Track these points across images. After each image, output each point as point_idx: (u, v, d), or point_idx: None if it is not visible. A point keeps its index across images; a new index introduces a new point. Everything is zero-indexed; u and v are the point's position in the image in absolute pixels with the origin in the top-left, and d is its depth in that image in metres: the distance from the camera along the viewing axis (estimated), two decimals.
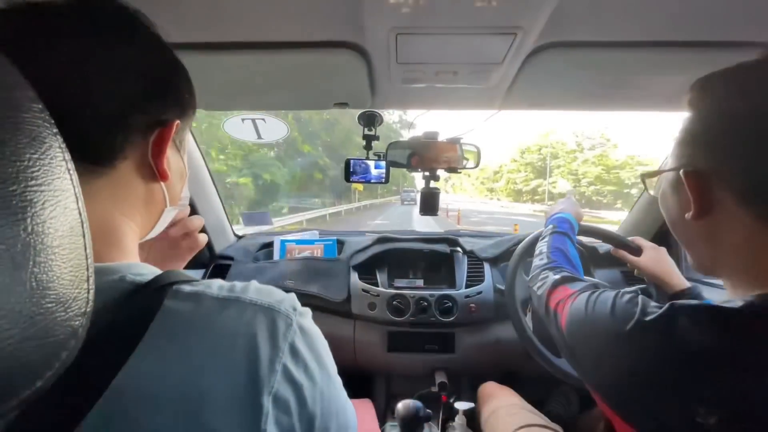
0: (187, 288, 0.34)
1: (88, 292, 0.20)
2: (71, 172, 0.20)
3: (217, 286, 0.35)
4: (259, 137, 1.11)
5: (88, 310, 0.20)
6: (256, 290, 0.36)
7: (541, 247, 0.83)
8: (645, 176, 0.58)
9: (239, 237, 1.63)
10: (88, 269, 0.20)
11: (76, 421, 0.26)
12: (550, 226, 0.90)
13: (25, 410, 0.25)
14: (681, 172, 0.46)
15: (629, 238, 1.05)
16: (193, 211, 1.30)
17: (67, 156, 0.20)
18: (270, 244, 1.51)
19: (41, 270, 0.17)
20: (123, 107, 0.35)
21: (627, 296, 0.49)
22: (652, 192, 0.57)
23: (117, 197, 0.37)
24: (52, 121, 0.20)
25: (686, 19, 0.61)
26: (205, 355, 0.30)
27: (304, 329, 0.36)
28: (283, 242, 1.50)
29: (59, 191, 0.19)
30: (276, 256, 1.47)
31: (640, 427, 0.43)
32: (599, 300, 0.53)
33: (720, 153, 0.43)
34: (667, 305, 0.43)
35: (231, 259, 1.43)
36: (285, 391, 0.32)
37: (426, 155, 1.01)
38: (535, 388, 1.36)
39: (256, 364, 0.31)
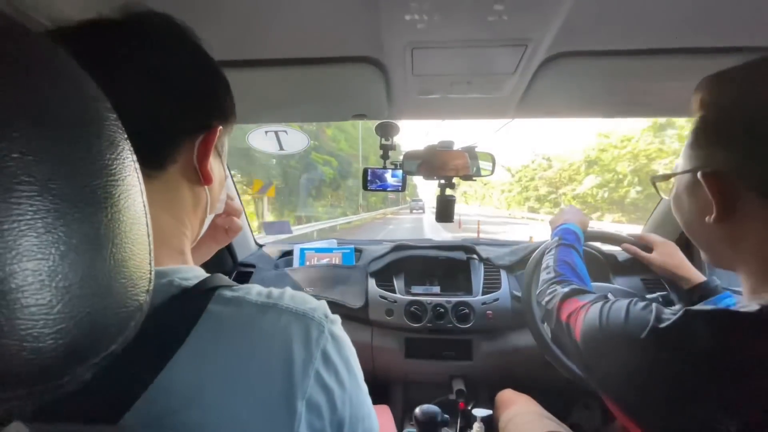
0: (228, 293, 0.35)
1: (150, 273, 0.23)
2: (137, 171, 0.24)
3: (255, 292, 0.37)
4: (281, 149, 1.17)
5: (150, 288, 0.23)
6: (291, 297, 0.38)
7: (548, 260, 0.83)
8: (656, 179, 0.56)
9: (260, 246, 1.69)
10: (150, 253, 0.23)
11: (123, 410, 0.28)
12: (556, 239, 0.89)
13: (77, 393, 0.28)
14: (699, 174, 0.44)
15: (638, 235, 1.04)
16: None
17: (134, 157, 0.24)
18: (290, 252, 1.56)
19: (117, 250, 0.21)
20: (174, 113, 0.38)
21: (641, 304, 0.49)
22: (665, 196, 0.56)
23: (167, 200, 0.39)
24: (123, 128, 0.23)
25: (692, 26, 0.62)
26: (245, 356, 0.32)
27: (335, 336, 0.37)
28: (302, 250, 1.54)
29: (130, 186, 0.23)
30: (296, 263, 1.51)
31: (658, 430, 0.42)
32: (613, 309, 0.52)
33: (740, 151, 0.41)
34: (681, 311, 0.42)
35: (253, 266, 1.47)
36: (318, 396, 0.33)
37: (443, 164, 1.04)
38: (556, 399, 1.34)
39: (291, 368, 0.32)
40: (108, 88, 0.30)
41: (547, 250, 0.87)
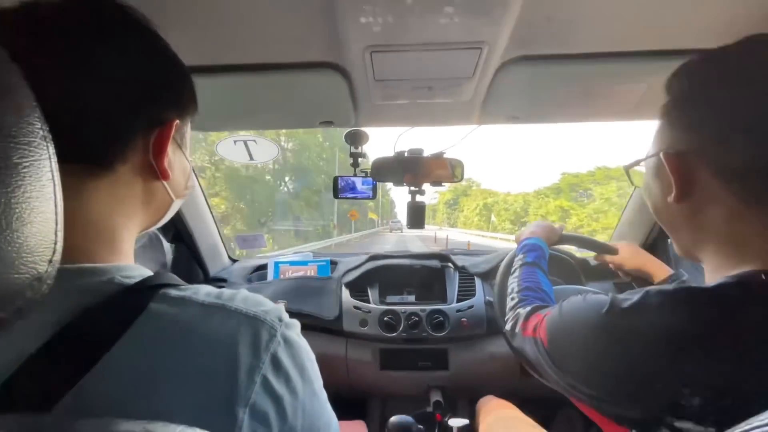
0: (174, 292, 0.34)
1: (55, 244, 0.22)
2: (47, 140, 0.23)
3: (204, 292, 0.35)
4: (252, 158, 1.16)
5: (54, 259, 0.22)
6: (243, 299, 0.36)
7: (512, 284, 0.83)
8: (628, 167, 0.58)
9: (234, 260, 1.65)
10: (56, 225, 0.23)
11: (55, 400, 0.27)
12: (520, 256, 0.89)
13: (12, 381, 0.27)
14: (661, 154, 0.46)
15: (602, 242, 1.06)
16: (188, 233, 1.33)
17: (46, 133, 0.23)
18: (264, 266, 1.53)
19: (13, 214, 0.20)
20: (120, 109, 0.35)
21: (597, 295, 0.50)
22: (637, 185, 0.58)
23: (116, 198, 0.37)
24: (38, 114, 0.23)
25: (643, 30, 0.65)
26: (185, 358, 0.31)
27: (289, 341, 0.35)
28: (276, 264, 1.51)
29: (37, 156, 0.22)
30: (270, 277, 1.48)
31: (626, 419, 0.42)
32: (570, 301, 0.54)
33: (699, 133, 0.43)
34: (642, 291, 0.44)
35: (224, 281, 1.44)
36: (263, 403, 0.32)
37: (413, 170, 1.05)
38: (538, 407, 1.33)
39: (235, 373, 0.31)
40: (43, 81, 0.28)
41: (511, 272, 0.87)
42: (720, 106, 0.41)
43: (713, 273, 0.45)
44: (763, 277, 0.38)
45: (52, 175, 0.23)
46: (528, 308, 0.69)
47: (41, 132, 0.22)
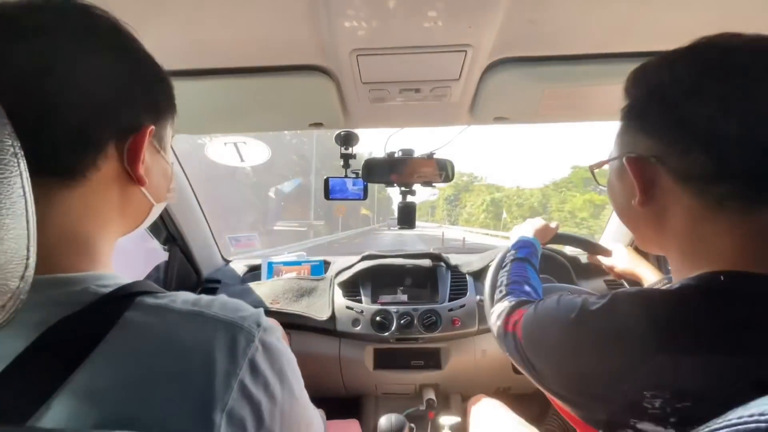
0: (150, 300, 0.34)
1: (27, 260, 0.23)
2: (19, 156, 0.23)
3: (182, 299, 0.35)
4: (242, 160, 1.16)
5: (26, 275, 0.22)
6: (221, 305, 0.35)
7: (502, 278, 0.84)
8: (593, 167, 0.59)
9: (227, 261, 1.65)
10: (28, 240, 0.23)
11: (30, 412, 0.27)
12: (512, 252, 0.90)
13: None
14: (624, 158, 0.46)
15: (595, 244, 1.08)
16: (180, 235, 1.33)
17: (17, 150, 0.23)
18: (258, 267, 1.53)
19: None
20: (90, 118, 0.34)
21: (572, 295, 0.50)
22: (602, 183, 0.57)
23: (90, 206, 0.36)
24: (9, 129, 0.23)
25: (625, 32, 0.66)
26: (160, 367, 0.30)
27: (267, 346, 0.35)
28: (270, 264, 1.51)
29: (8, 173, 0.22)
30: (263, 277, 1.48)
31: (593, 420, 0.43)
32: (545, 301, 0.55)
33: (657, 137, 0.43)
34: (611, 294, 0.44)
35: (218, 282, 1.44)
36: (241, 409, 0.31)
37: (403, 171, 1.05)
38: (530, 405, 1.35)
39: (212, 379, 0.31)
40: (5, 86, 0.28)
41: (503, 266, 0.88)
42: (677, 109, 0.41)
43: (676, 273, 0.46)
44: (722, 278, 0.38)
45: (24, 191, 0.23)
46: (513, 302, 0.69)
47: (12, 149, 0.22)
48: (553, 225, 1.02)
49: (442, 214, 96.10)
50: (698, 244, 0.42)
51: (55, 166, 0.34)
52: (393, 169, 1.05)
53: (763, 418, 0.22)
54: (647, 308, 0.40)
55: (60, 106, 0.33)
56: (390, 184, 1.06)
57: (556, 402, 0.49)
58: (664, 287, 0.42)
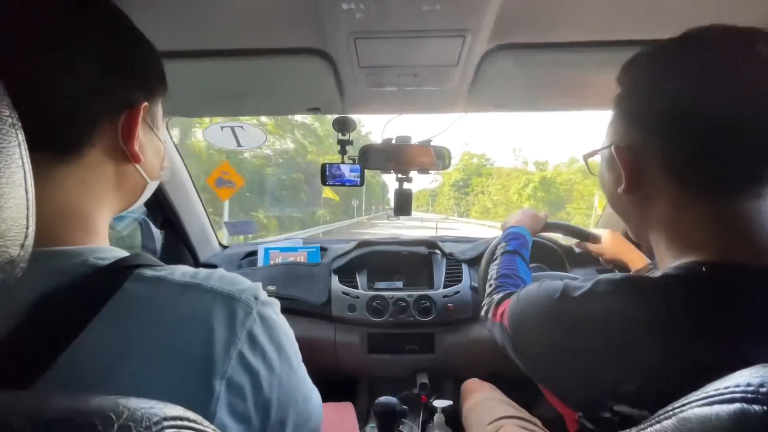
0: (149, 272, 0.34)
1: (26, 229, 0.23)
2: (17, 127, 0.23)
3: (180, 272, 0.36)
4: (239, 144, 1.15)
5: (26, 243, 0.23)
6: (219, 278, 0.36)
7: (492, 271, 0.85)
8: (586, 156, 0.60)
9: (224, 247, 1.65)
10: (27, 210, 0.23)
11: (33, 378, 0.28)
12: (503, 244, 0.91)
13: None
14: (612, 147, 0.48)
15: (586, 230, 1.09)
16: (177, 221, 1.33)
17: (15, 121, 0.24)
18: (254, 253, 1.54)
19: None
20: (84, 93, 0.35)
21: (554, 281, 0.52)
22: (594, 173, 0.58)
23: (87, 182, 0.37)
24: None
25: (626, 19, 0.66)
26: (160, 336, 0.31)
27: (265, 318, 0.36)
28: (267, 249, 1.52)
29: (6, 144, 0.22)
30: (260, 263, 1.49)
31: (573, 402, 0.44)
32: (526, 289, 0.56)
33: (645, 127, 0.45)
34: (594, 280, 0.45)
35: (215, 267, 1.44)
36: (240, 377, 0.32)
37: (400, 158, 1.06)
38: (522, 390, 1.37)
39: (211, 348, 0.32)
40: (2, 63, 0.28)
41: (493, 259, 0.89)
42: (660, 99, 0.43)
43: (660, 261, 0.47)
44: (704, 269, 0.39)
45: (22, 162, 0.23)
46: (501, 294, 0.71)
47: (10, 120, 0.22)
48: (542, 214, 1.04)
49: (448, 203, 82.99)
50: (681, 233, 0.44)
51: (52, 142, 0.34)
52: (390, 156, 1.05)
53: (738, 389, 0.23)
54: (628, 295, 0.41)
55: (54, 82, 0.33)
56: (387, 170, 1.06)
57: (541, 385, 0.51)
58: (647, 275, 0.43)
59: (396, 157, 1.05)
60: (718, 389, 0.24)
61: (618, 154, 0.47)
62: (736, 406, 0.22)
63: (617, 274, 0.44)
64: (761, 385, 0.22)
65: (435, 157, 1.06)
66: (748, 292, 0.37)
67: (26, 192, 0.23)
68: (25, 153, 0.24)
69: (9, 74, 0.29)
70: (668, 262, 0.44)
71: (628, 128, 0.47)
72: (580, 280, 0.48)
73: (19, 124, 0.23)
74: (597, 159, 0.58)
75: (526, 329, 0.53)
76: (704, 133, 0.39)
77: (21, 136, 0.23)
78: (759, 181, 0.39)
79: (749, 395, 0.22)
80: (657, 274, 0.42)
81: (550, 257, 1.43)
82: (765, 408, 0.21)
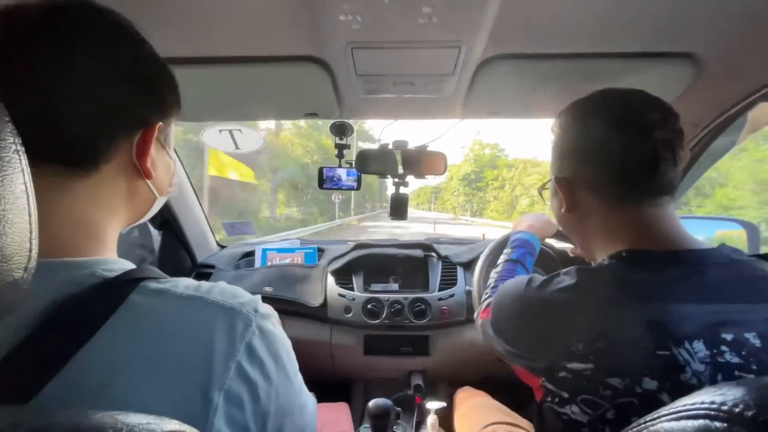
0: (153, 285, 0.36)
1: (30, 252, 0.24)
2: (20, 153, 0.24)
3: (183, 285, 0.37)
4: (237, 147, 1.16)
5: (29, 266, 0.24)
6: (220, 291, 0.38)
7: (492, 278, 0.86)
8: (540, 189, 0.73)
9: (222, 247, 1.66)
10: (30, 233, 0.24)
11: (33, 392, 0.28)
12: (508, 250, 0.91)
13: None
14: (553, 178, 0.63)
15: None
16: (175, 220, 1.34)
17: (18, 146, 0.24)
18: (252, 253, 1.55)
19: None
20: (105, 112, 0.37)
21: (525, 275, 0.63)
22: (547, 202, 0.71)
23: (100, 196, 0.39)
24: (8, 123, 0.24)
25: (618, 32, 0.67)
26: (162, 348, 0.32)
27: (264, 330, 0.37)
28: (264, 250, 1.53)
29: (10, 171, 0.23)
30: (257, 264, 1.50)
31: (537, 369, 0.53)
32: (505, 283, 0.66)
33: (574, 162, 0.60)
34: (554, 273, 0.56)
35: (212, 267, 1.46)
36: (239, 388, 0.34)
37: (396, 163, 1.06)
38: (516, 393, 1.39)
39: (211, 360, 0.33)
40: (28, 85, 0.30)
41: (496, 264, 0.90)
42: (580, 139, 0.59)
43: (600, 257, 0.58)
44: (624, 254, 0.52)
45: (26, 187, 0.24)
46: (490, 299, 0.74)
47: (14, 146, 0.23)
48: (554, 221, 1.03)
49: (456, 200, 75.60)
50: (610, 235, 0.57)
51: (71, 156, 0.36)
52: (386, 161, 1.06)
53: (703, 405, 0.25)
54: (574, 278, 0.52)
55: (76, 103, 0.35)
56: (383, 175, 1.07)
57: (517, 367, 0.59)
58: (585, 267, 0.54)
59: (392, 162, 1.06)
60: (685, 405, 0.26)
61: (558, 184, 0.62)
62: (701, 422, 0.24)
63: (568, 269, 0.54)
64: (723, 404, 0.24)
65: (431, 162, 1.07)
66: (654, 267, 0.49)
67: (29, 216, 0.24)
68: (29, 178, 0.25)
69: (32, 93, 0.32)
70: (604, 254, 0.56)
71: (562, 162, 0.62)
72: (545, 274, 0.59)
73: (23, 149, 0.24)
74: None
75: (503, 312, 0.63)
76: (612, 160, 0.54)
77: (24, 161, 0.24)
78: (652, 193, 0.54)
79: (712, 412, 0.24)
80: (594, 265, 0.55)
81: (545, 262, 1.43)
82: (725, 425, 0.23)
